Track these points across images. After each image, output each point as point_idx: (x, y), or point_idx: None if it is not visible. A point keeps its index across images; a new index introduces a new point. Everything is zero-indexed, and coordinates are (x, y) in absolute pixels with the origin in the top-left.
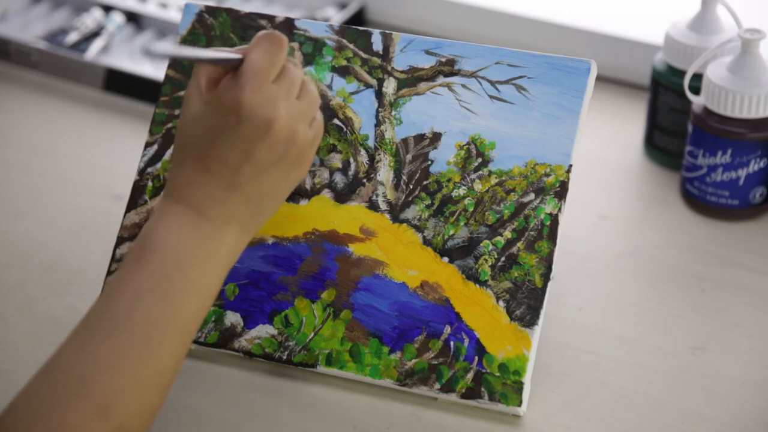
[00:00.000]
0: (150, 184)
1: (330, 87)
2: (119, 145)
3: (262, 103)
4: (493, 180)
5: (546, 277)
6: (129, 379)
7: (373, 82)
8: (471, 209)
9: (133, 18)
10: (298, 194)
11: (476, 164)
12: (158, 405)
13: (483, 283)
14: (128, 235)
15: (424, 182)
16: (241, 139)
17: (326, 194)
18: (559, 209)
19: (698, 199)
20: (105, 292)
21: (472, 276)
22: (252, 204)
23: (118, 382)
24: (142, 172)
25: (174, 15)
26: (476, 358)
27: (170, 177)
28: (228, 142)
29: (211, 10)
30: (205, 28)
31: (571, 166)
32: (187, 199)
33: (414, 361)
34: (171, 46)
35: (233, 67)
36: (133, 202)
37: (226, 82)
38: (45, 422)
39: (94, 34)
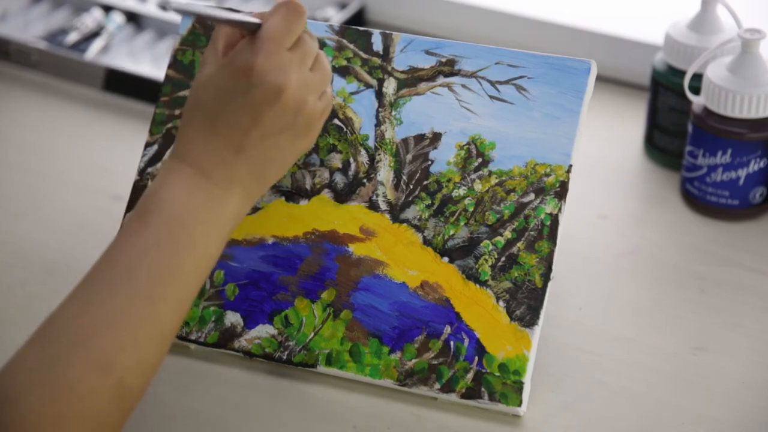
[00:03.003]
0: (150, 183)
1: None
2: (119, 145)
3: (274, 69)
4: (493, 180)
5: (546, 277)
6: (130, 336)
7: (373, 82)
8: (471, 209)
9: (133, 18)
10: (298, 194)
11: (476, 164)
12: (158, 362)
13: (483, 283)
14: None
15: (424, 182)
16: (250, 103)
17: (326, 194)
18: (559, 209)
19: (698, 199)
20: (108, 250)
21: (472, 276)
22: (257, 169)
23: (118, 339)
24: (142, 172)
25: (174, 15)
26: (476, 358)
27: (178, 137)
28: (238, 106)
29: None
30: (205, 28)
31: (571, 166)
32: (194, 160)
33: (414, 361)
34: (190, 3)
35: (251, 31)
36: (133, 202)
37: (241, 46)
38: (44, 377)
39: (94, 34)
